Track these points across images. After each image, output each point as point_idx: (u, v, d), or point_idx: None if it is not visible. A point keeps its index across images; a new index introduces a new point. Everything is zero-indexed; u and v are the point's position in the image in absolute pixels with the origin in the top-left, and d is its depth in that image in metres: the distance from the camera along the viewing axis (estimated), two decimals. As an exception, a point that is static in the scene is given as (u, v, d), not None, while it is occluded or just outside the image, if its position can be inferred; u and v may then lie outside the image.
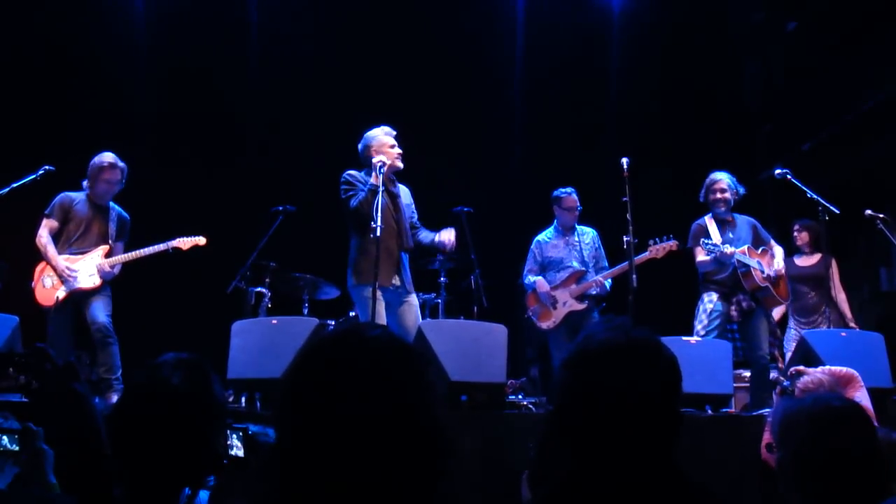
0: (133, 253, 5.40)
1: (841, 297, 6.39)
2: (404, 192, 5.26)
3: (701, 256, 5.62)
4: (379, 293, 4.75)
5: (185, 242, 5.51)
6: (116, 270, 5.39)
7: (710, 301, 5.60)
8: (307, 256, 6.65)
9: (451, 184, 7.05)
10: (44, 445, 1.80)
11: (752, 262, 5.53)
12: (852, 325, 6.20)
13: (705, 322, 5.54)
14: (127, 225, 5.56)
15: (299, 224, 6.32)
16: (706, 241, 5.47)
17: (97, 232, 5.41)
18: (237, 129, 7.80)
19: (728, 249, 5.42)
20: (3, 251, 5.82)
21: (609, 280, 5.96)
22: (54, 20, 7.26)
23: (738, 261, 5.48)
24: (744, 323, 5.64)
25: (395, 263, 4.99)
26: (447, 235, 5.14)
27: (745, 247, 5.60)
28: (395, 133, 5.16)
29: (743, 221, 5.82)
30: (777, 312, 6.35)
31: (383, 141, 5.10)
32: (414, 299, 5.14)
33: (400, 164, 5.08)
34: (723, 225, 5.75)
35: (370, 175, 4.95)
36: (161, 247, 5.43)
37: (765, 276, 5.55)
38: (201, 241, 5.56)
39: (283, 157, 7.62)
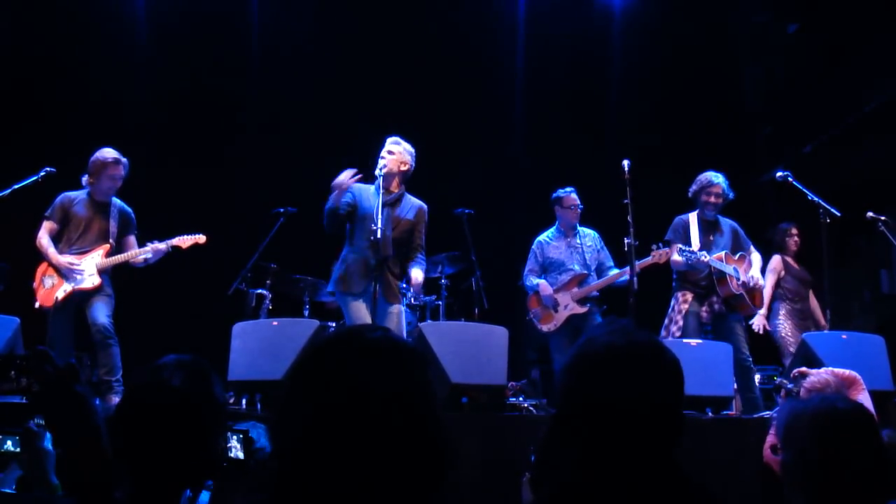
0: (132, 252, 5.40)
1: (814, 303, 6.45)
2: (408, 206, 5.14)
3: (676, 256, 5.58)
4: (361, 294, 4.88)
5: (184, 241, 5.49)
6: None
7: (684, 301, 5.57)
8: (308, 258, 6.65)
9: (452, 186, 7.05)
10: (45, 445, 1.80)
11: (728, 269, 5.49)
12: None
13: (680, 322, 5.51)
14: (132, 220, 5.55)
15: (300, 226, 6.32)
16: (683, 249, 5.41)
17: (97, 230, 5.40)
18: (238, 130, 7.80)
19: (704, 258, 5.37)
20: (4, 253, 5.82)
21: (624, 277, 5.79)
22: (55, 22, 7.27)
23: (714, 267, 5.46)
24: (717, 325, 5.60)
25: (370, 271, 4.87)
26: (414, 275, 5.05)
27: (723, 252, 5.56)
28: (390, 139, 5.10)
29: (726, 225, 5.77)
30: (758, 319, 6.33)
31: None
32: (396, 309, 4.97)
33: (382, 170, 4.91)
34: (707, 227, 5.71)
35: (373, 184, 4.97)
36: (160, 245, 5.41)
37: (740, 283, 5.51)
38: (201, 239, 5.54)
39: (284, 159, 7.62)
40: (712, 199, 5.66)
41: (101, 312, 5.22)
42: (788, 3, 8.39)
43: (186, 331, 5.96)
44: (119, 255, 5.37)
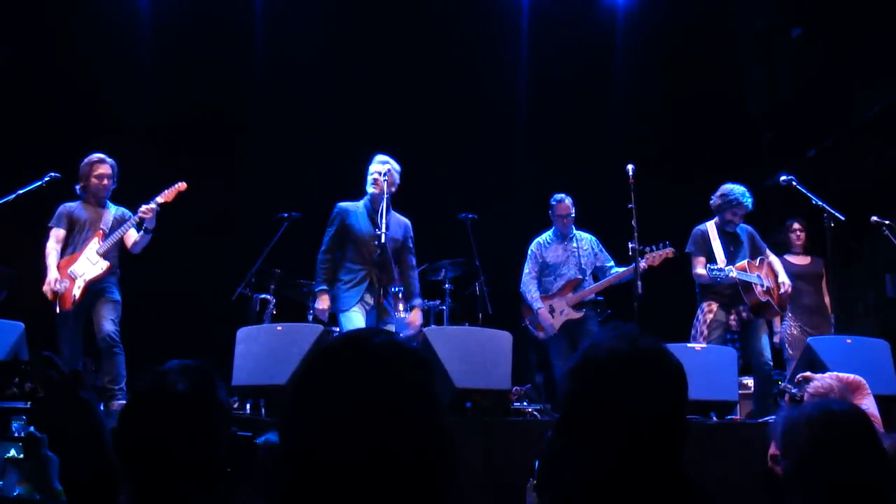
0: (125, 226, 5.40)
1: (827, 299, 6.41)
2: (396, 225, 5.32)
3: (700, 270, 5.58)
4: (357, 308, 5.07)
5: (167, 195, 5.45)
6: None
7: (709, 311, 5.57)
8: (312, 263, 6.64)
9: (455, 191, 7.05)
10: (48, 452, 1.80)
11: (753, 278, 5.49)
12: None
13: (706, 332, 5.51)
14: (130, 218, 5.56)
15: (304, 230, 6.32)
16: (712, 268, 5.41)
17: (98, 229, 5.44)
18: (242, 134, 7.81)
19: (733, 273, 5.39)
20: (8, 258, 5.83)
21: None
22: (59, 27, 7.29)
23: (740, 279, 5.46)
24: (744, 331, 5.61)
25: (365, 290, 5.14)
26: (413, 318, 5.34)
27: (745, 262, 5.56)
28: (378, 159, 5.28)
29: (743, 232, 5.77)
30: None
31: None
32: (390, 328, 5.13)
33: (376, 190, 5.19)
34: (728, 238, 5.71)
35: (361, 200, 5.23)
36: (150, 205, 5.35)
37: (765, 289, 5.51)
38: (182, 185, 5.50)
39: (288, 164, 7.62)
40: (737, 220, 5.68)
41: (108, 320, 5.22)
42: (792, 7, 8.38)
43: (190, 336, 5.96)
44: (115, 233, 5.38)
